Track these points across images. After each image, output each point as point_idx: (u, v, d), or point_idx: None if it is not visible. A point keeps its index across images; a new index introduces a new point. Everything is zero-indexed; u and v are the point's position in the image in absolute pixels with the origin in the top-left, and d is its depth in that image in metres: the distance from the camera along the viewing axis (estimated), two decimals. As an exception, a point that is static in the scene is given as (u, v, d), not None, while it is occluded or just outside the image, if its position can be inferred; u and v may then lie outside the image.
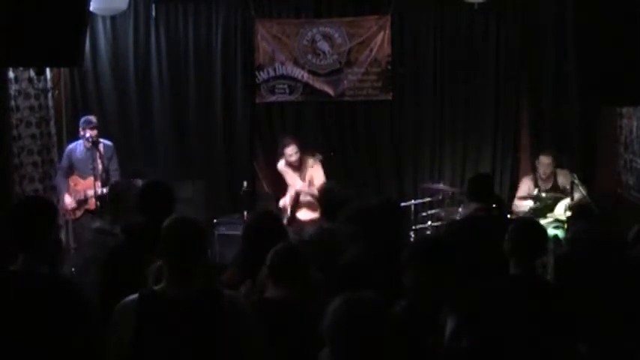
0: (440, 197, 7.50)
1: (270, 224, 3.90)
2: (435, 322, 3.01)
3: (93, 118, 6.89)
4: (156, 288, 2.78)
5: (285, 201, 7.19)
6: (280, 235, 3.67)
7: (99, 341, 2.73)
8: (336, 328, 2.21)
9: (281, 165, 7.20)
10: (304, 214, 7.08)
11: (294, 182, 7.09)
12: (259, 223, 3.94)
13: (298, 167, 7.06)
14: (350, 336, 2.19)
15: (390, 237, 3.90)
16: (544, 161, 7.06)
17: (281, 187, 7.41)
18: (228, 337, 2.68)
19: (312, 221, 6.93)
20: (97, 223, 5.28)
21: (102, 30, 8.16)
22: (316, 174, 7.00)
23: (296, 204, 7.10)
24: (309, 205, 7.04)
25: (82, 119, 6.92)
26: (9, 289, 2.77)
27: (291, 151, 6.99)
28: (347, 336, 2.20)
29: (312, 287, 3.23)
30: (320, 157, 7.03)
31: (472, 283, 3.27)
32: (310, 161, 7.01)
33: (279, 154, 7.15)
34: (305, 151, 7.14)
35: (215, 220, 7.33)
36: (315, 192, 6.96)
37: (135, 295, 2.72)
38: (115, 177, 6.78)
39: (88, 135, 6.71)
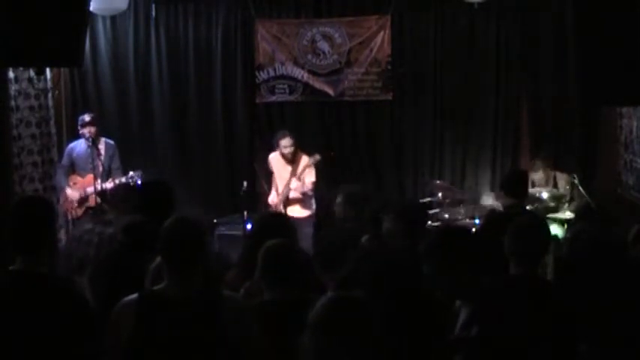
0: (440, 197, 7.49)
1: (275, 223, 3.85)
2: (449, 312, 3.03)
3: (87, 116, 6.86)
4: (155, 288, 2.78)
5: (274, 199, 7.16)
6: (285, 234, 3.54)
7: (98, 342, 2.72)
8: (318, 325, 2.19)
9: (273, 156, 7.19)
10: (296, 212, 7.01)
11: (284, 175, 7.04)
12: (265, 222, 3.91)
13: (291, 160, 7.03)
14: (332, 334, 2.16)
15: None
16: (538, 166, 7.00)
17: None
18: (227, 337, 2.68)
19: (303, 219, 6.94)
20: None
21: (102, 30, 8.16)
22: (309, 173, 7.00)
23: (287, 201, 7.05)
24: (300, 202, 7.05)
25: (79, 118, 6.94)
26: (8, 290, 2.77)
27: (287, 143, 6.97)
28: (328, 334, 2.16)
29: (310, 288, 3.20)
30: (318, 158, 7.00)
31: (483, 279, 3.26)
32: (306, 159, 6.99)
33: (274, 146, 7.14)
34: (303, 150, 7.12)
35: (215, 220, 7.31)
36: (308, 191, 6.97)
37: (134, 295, 2.72)
38: (117, 176, 6.79)
39: (87, 135, 6.72)
